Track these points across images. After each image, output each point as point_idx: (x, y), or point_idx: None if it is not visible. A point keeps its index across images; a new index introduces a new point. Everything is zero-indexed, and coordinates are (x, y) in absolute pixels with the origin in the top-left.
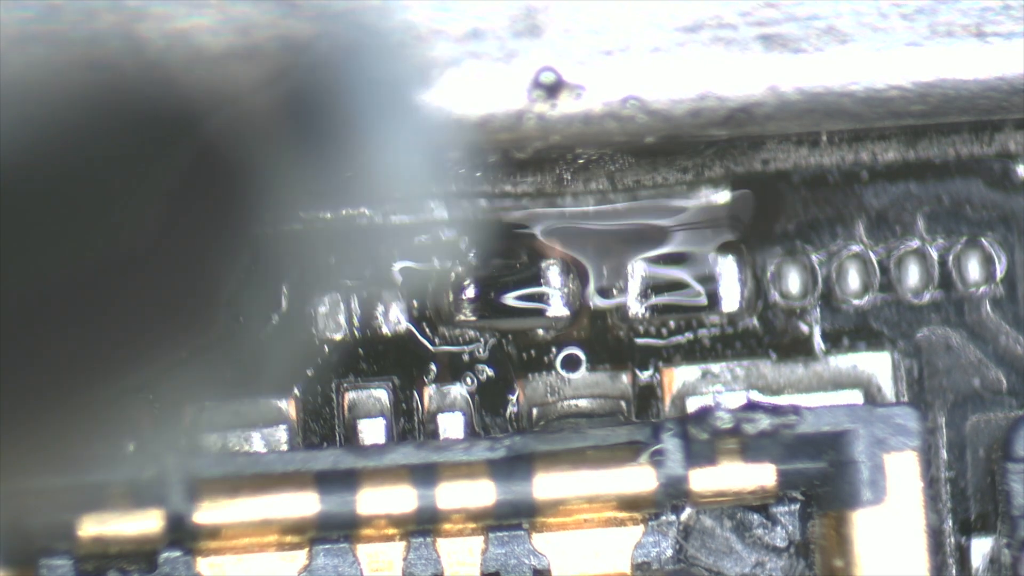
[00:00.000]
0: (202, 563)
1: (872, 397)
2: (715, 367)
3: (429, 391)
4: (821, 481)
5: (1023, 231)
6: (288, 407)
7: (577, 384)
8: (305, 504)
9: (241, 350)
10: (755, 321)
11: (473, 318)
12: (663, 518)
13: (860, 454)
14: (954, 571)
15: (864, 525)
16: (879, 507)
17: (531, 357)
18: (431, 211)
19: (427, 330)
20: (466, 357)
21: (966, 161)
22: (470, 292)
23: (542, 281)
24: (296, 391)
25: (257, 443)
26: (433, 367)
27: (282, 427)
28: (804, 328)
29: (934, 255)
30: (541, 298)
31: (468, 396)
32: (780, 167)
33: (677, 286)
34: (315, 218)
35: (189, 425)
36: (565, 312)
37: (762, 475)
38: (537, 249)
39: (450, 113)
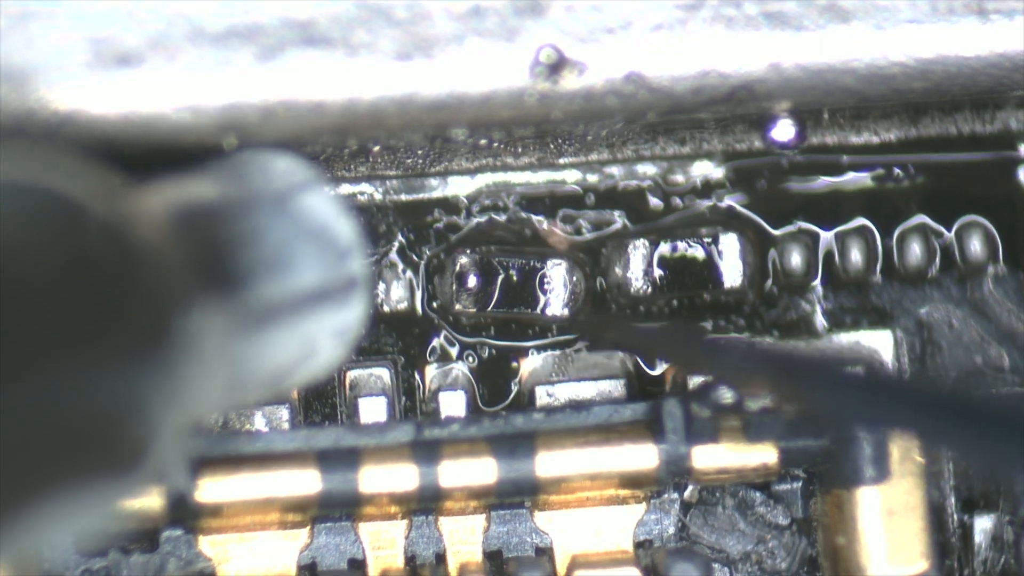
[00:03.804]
0: (204, 541)
1: None
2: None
3: (431, 369)
4: (823, 459)
5: None
6: None
7: (578, 362)
8: (307, 482)
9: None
10: (757, 299)
11: (472, 309)
12: (665, 496)
13: (863, 432)
14: (957, 549)
15: (867, 503)
16: (882, 485)
17: (534, 333)
18: (434, 189)
19: (429, 308)
20: (468, 335)
21: (967, 138)
22: (471, 282)
23: (545, 280)
24: None
25: (259, 421)
26: (435, 345)
27: (283, 406)
28: (806, 306)
29: (936, 232)
30: (543, 296)
31: (470, 374)
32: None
33: (679, 263)
34: None
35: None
36: (563, 313)
37: (764, 453)
38: (542, 235)
39: (452, 90)
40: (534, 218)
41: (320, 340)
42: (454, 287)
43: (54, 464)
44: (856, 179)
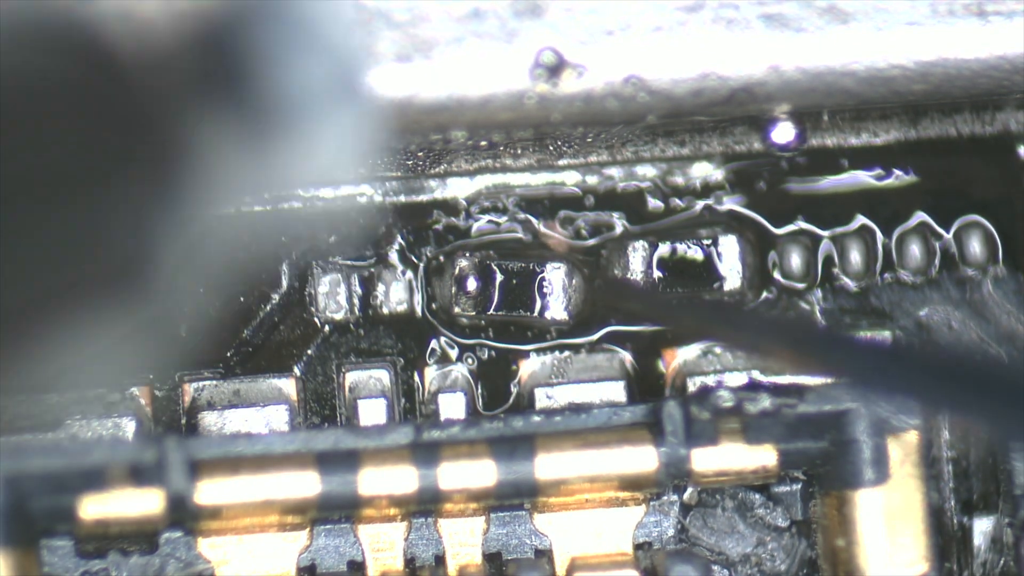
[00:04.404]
0: (203, 543)
1: None
2: (717, 346)
3: (430, 371)
4: (823, 461)
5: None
6: (289, 387)
7: (578, 364)
8: (306, 484)
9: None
10: (757, 300)
11: (472, 312)
12: (664, 498)
13: (862, 434)
14: (956, 550)
15: (866, 505)
16: (881, 487)
17: (533, 335)
18: (433, 191)
19: (428, 310)
20: (467, 337)
21: (967, 140)
22: (471, 285)
23: (544, 284)
24: (297, 371)
25: (258, 423)
26: (434, 347)
27: (283, 407)
28: (806, 307)
29: (935, 233)
30: (542, 300)
31: (469, 376)
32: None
33: (679, 265)
34: (315, 196)
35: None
36: (564, 316)
37: (764, 455)
38: (542, 238)
39: (451, 93)
40: (533, 220)
41: (324, 146)
42: (453, 290)
43: (69, 293)
44: (856, 181)
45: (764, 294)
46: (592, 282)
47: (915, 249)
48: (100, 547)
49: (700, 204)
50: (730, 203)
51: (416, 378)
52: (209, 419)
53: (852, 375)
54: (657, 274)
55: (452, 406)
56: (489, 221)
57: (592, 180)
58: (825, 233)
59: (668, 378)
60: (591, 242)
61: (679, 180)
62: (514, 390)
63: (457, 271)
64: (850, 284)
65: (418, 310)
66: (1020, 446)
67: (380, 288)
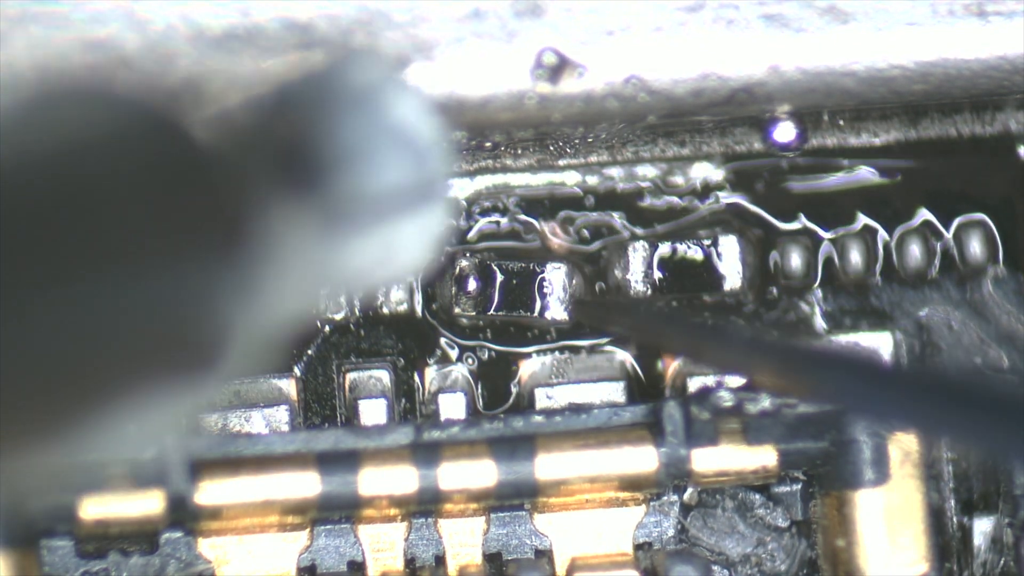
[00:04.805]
0: (203, 544)
1: None
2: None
3: (430, 371)
4: (823, 461)
5: None
6: (289, 387)
7: (578, 364)
8: (306, 484)
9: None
10: (757, 300)
11: (472, 312)
12: (665, 498)
13: (862, 434)
14: (956, 551)
15: (866, 505)
16: (881, 487)
17: (534, 336)
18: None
19: (429, 310)
20: (467, 338)
21: (967, 140)
22: (471, 286)
23: (544, 284)
24: (297, 371)
25: (258, 423)
26: (435, 347)
27: (283, 407)
28: (806, 307)
29: (936, 233)
30: (542, 300)
31: (469, 376)
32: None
33: (679, 265)
34: None
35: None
36: (564, 316)
37: (764, 455)
38: (542, 238)
39: (451, 93)
40: (534, 220)
41: (401, 242)
42: (453, 290)
43: (133, 363)
44: (856, 181)
45: (765, 294)
46: (574, 302)
47: (915, 249)
48: (100, 547)
49: (700, 204)
50: (730, 203)
51: (416, 378)
52: (209, 419)
53: (842, 397)
54: (657, 274)
55: (452, 406)
56: (489, 221)
57: (592, 180)
58: (826, 233)
59: (668, 378)
60: (594, 246)
61: (679, 180)
62: (514, 390)
63: (457, 271)
64: (850, 284)
65: (418, 310)
66: (1016, 464)
67: (381, 288)
